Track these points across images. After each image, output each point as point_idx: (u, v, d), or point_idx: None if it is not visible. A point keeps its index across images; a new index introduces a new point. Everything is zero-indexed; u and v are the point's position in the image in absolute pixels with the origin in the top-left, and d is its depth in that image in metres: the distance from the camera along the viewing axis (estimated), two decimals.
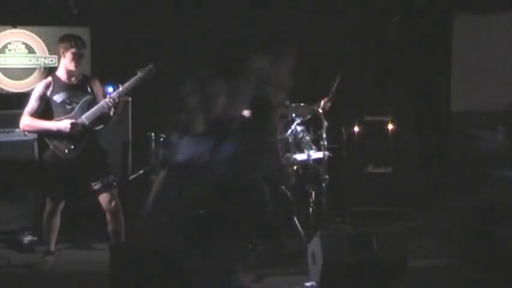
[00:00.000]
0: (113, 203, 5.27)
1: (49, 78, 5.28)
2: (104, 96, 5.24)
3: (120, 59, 6.91)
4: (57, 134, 5.14)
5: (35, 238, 5.98)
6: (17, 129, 5.88)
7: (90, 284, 5.11)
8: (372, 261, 4.68)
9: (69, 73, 5.24)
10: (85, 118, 5.17)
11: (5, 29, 6.82)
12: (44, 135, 5.29)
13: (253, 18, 7.29)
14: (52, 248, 5.50)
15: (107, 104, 5.14)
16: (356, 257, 4.65)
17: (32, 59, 6.88)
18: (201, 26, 7.25)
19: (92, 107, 5.19)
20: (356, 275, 4.67)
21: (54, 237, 5.50)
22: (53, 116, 5.18)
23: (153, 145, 6.59)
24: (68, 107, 5.19)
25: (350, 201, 6.92)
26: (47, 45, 6.88)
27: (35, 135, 5.98)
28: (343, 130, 6.94)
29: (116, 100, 5.15)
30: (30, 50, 6.89)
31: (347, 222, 6.61)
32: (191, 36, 7.23)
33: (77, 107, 5.19)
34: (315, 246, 4.77)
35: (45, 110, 5.18)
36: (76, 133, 5.13)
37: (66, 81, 5.24)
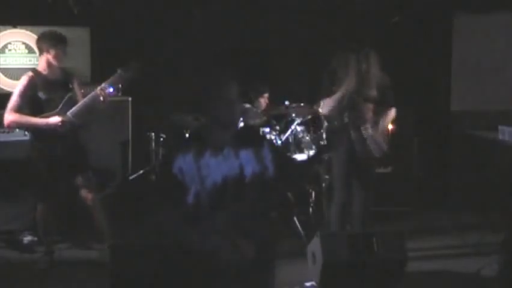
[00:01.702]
0: (90, 197, 5.32)
1: (31, 74, 5.26)
2: (83, 94, 5.26)
3: (120, 59, 6.89)
4: (45, 130, 5.13)
5: (35, 238, 5.98)
6: (17, 129, 5.89)
7: (90, 284, 5.11)
8: (372, 261, 4.68)
9: (52, 69, 5.23)
10: (70, 114, 5.17)
11: (5, 29, 6.82)
12: (31, 131, 5.28)
13: (251, 19, 7.29)
14: (51, 248, 5.50)
15: (93, 100, 5.16)
16: (356, 257, 4.65)
17: (32, 59, 6.86)
18: (202, 25, 7.25)
19: (75, 103, 5.20)
20: (356, 275, 4.66)
21: (52, 237, 5.50)
22: (37, 112, 5.16)
23: (153, 145, 6.58)
24: (53, 103, 5.19)
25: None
26: None
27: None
28: None
29: (101, 97, 5.16)
30: (30, 50, 6.88)
31: (347, 222, 6.59)
32: (192, 36, 7.23)
33: (62, 102, 5.19)
34: (315, 246, 4.76)
35: (29, 106, 5.17)
36: (64, 129, 5.13)
37: (49, 77, 5.24)
